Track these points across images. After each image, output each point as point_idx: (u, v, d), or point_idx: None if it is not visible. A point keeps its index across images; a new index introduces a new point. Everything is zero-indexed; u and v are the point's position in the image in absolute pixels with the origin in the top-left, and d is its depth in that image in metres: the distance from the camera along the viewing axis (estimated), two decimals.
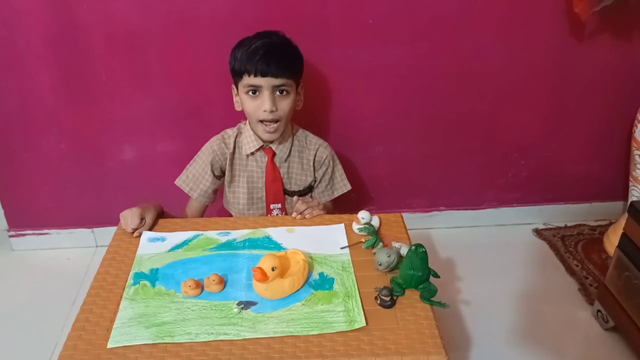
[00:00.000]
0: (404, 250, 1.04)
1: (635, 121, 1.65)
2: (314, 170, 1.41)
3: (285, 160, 1.37)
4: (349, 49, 1.56)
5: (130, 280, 1.01)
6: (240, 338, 0.88)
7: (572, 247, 1.78)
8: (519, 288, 1.62)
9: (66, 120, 1.60)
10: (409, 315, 0.93)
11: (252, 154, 1.35)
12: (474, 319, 1.50)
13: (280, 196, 1.39)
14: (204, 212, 1.44)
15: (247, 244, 1.11)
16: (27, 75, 1.52)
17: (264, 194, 1.38)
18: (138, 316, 0.93)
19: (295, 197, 1.38)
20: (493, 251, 1.78)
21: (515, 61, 1.63)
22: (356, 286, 0.99)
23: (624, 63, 1.65)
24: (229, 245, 1.11)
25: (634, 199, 1.69)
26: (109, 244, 1.12)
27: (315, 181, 1.43)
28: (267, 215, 1.40)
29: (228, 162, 1.36)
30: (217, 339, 0.88)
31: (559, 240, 1.82)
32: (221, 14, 1.47)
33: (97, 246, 1.81)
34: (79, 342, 0.88)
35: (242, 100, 1.29)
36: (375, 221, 1.15)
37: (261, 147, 1.34)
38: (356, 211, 1.16)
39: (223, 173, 1.38)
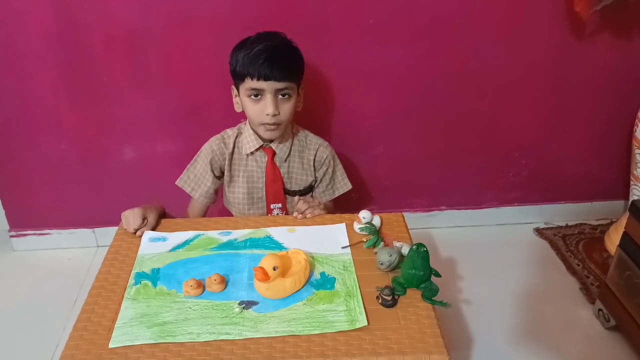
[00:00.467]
0: (405, 250, 1.04)
1: (636, 120, 1.65)
2: (315, 170, 1.41)
3: (285, 160, 1.37)
4: (349, 49, 1.56)
5: (131, 280, 1.01)
6: (241, 338, 0.88)
7: (573, 247, 1.78)
8: (520, 287, 1.62)
9: (66, 121, 1.60)
10: (411, 314, 0.93)
11: (252, 153, 1.35)
12: (475, 318, 1.50)
13: (280, 196, 1.39)
14: (206, 212, 1.43)
15: (248, 243, 1.11)
16: (28, 75, 1.52)
17: (264, 193, 1.38)
18: (139, 316, 0.93)
19: (296, 197, 1.38)
20: (494, 250, 1.78)
21: (515, 61, 1.63)
22: (357, 286, 0.99)
23: (624, 62, 1.65)
24: (230, 245, 1.11)
25: (635, 197, 1.69)
26: (110, 244, 1.12)
27: (315, 181, 1.43)
28: (267, 215, 1.40)
29: (227, 162, 1.36)
30: (219, 338, 0.88)
31: (560, 240, 1.82)
32: (221, 14, 1.47)
33: (98, 246, 1.81)
34: (80, 342, 0.88)
35: (244, 102, 1.28)
36: (377, 221, 1.15)
37: (261, 147, 1.34)
38: (357, 211, 1.16)
39: (223, 173, 1.38)
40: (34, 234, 1.79)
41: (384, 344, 0.87)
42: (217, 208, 1.51)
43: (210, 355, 0.85)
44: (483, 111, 1.71)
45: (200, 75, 1.55)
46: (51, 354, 1.39)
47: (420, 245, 0.97)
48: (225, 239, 1.13)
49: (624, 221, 1.38)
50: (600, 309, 1.46)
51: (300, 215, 1.21)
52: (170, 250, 1.09)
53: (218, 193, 1.43)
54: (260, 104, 1.25)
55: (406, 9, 1.51)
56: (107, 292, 0.99)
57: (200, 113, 1.61)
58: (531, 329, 1.47)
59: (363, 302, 0.95)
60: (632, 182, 1.72)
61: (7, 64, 1.50)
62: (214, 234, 1.15)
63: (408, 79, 1.62)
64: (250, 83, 1.23)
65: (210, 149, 1.36)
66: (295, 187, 1.40)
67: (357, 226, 1.14)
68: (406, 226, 1.18)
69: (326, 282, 1.00)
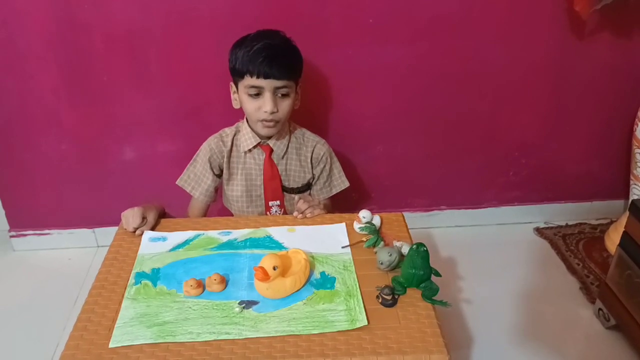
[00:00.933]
0: (405, 249, 1.04)
1: (636, 119, 1.65)
2: (312, 167, 1.41)
3: (283, 157, 1.37)
4: (349, 48, 1.56)
5: (131, 280, 1.01)
6: (241, 337, 0.88)
7: (573, 246, 1.78)
8: (520, 287, 1.62)
9: (67, 121, 1.60)
10: (411, 314, 0.93)
11: (250, 150, 1.35)
12: (475, 318, 1.50)
13: (278, 193, 1.39)
14: (206, 212, 1.44)
15: (248, 243, 1.12)
16: (28, 75, 1.52)
17: (262, 191, 1.38)
18: (140, 316, 0.93)
19: (296, 197, 1.38)
20: (494, 250, 1.78)
21: (515, 60, 1.63)
22: (357, 285, 0.99)
23: (625, 62, 1.65)
24: (230, 244, 1.11)
25: (635, 197, 1.69)
26: (110, 244, 1.12)
27: (313, 178, 1.43)
28: (266, 212, 1.40)
29: (225, 159, 1.36)
30: (219, 338, 0.88)
31: (560, 239, 1.82)
32: (221, 14, 1.47)
33: (98, 246, 1.81)
34: (80, 342, 0.88)
35: (242, 99, 1.29)
36: (377, 220, 1.15)
37: (259, 144, 1.35)
38: (357, 210, 1.16)
39: (222, 171, 1.39)
40: (34, 234, 1.79)
41: (384, 343, 0.87)
42: (217, 208, 1.51)
43: (210, 355, 0.85)
44: (483, 111, 1.71)
45: (200, 75, 1.55)
46: (51, 353, 1.39)
47: (420, 244, 0.97)
48: (225, 238, 1.13)
49: (624, 220, 1.38)
50: (600, 309, 1.46)
51: (301, 214, 1.21)
52: (170, 250, 1.10)
53: (218, 191, 1.43)
54: (258, 101, 1.25)
55: (406, 9, 1.51)
56: (107, 292, 0.99)
57: (200, 113, 1.61)
58: (531, 329, 1.47)
59: (363, 302, 0.95)
60: (632, 182, 1.72)
61: (7, 64, 1.50)
62: (214, 233, 1.15)
63: (408, 78, 1.63)
64: (249, 80, 1.24)
65: (208, 147, 1.36)
66: (293, 185, 1.40)
67: (357, 226, 1.14)
68: (406, 226, 1.18)
69: (326, 282, 1.00)
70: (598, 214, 1.92)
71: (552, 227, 1.89)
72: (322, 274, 1.03)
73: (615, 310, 1.39)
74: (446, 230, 1.89)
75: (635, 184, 1.70)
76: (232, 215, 1.44)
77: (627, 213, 1.33)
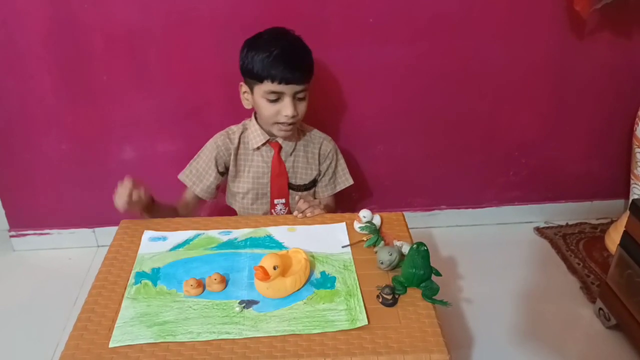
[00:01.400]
0: (405, 249, 1.04)
1: (636, 119, 1.65)
2: (319, 164, 1.41)
3: (291, 155, 1.37)
4: (349, 48, 1.56)
5: (131, 280, 1.01)
6: (242, 337, 0.88)
7: (574, 246, 1.78)
8: (520, 286, 1.62)
9: (67, 121, 1.60)
10: (411, 313, 0.93)
11: (258, 148, 1.35)
12: (475, 318, 1.49)
13: (284, 191, 1.39)
14: (198, 208, 1.43)
15: (248, 243, 1.11)
16: (28, 75, 1.52)
17: (269, 189, 1.38)
18: (140, 315, 0.93)
19: (297, 197, 1.38)
20: (494, 250, 1.78)
21: (515, 60, 1.63)
22: (358, 285, 0.99)
23: (625, 61, 1.65)
24: (230, 244, 1.11)
25: (635, 196, 1.69)
26: (110, 244, 1.12)
27: (319, 175, 1.43)
28: (270, 210, 1.40)
29: (232, 157, 1.36)
30: (219, 338, 0.88)
31: (560, 239, 1.82)
32: (221, 14, 1.47)
33: (98, 246, 1.81)
34: (80, 342, 0.88)
35: (259, 102, 1.27)
36: (377, 220, 1.15)
37: (267, 141, 1.34)
38: (357, 210, 1.16)
39: (227, 169, 1.38)
40: (34, 234, 1.79)
41: (384, 343, 0.87)
42: (217, 207, 1.51)
43: (210, 355, 0.85)
44: (483, 110, 1.71)
45: (201, 75, 1.55)
46: (51, 353, 1.39)
47: (420, 244, 0.97)
48: (225, 238, 1.13)
49: (624, 220, 1.38)
50: (600, 308, 1.46)
51: (301, 214, 1.21)
52: (171, 250, 1.09)
53: (219, 190, 1.43)
54: (277, 106, 1.25)
55: (406, 9, 1.51)
56: (108, 291, 0.99)
57: (200, 113, 1.61)
58: (532, 328, 1.47)
59: (363, 301, 0.95)
60: (632, 181, 1.72)
61: (7, 64, 1.50)
62: (214, 233, 1.14)
63: (408, 78, 1.62)
64: (269, 86, 1.22)
65: (215, 144, 1.36)
66: (299, 182, 1.40)
67: (357, 225, 1.14)
68: (406, 225, 1.18)
69: (326, 281, 1.00)
70: (598, 214, 1.92)
71: (552, 227, 1.89)
72: (323, 273, 1.03)
73: (615, 310, 1.39)
74: (446, 229, 1.89)
75: (635, 184, 1.70)
76: (233, 213, 1.44)
77: (628, 212, 1.33)
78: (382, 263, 1.02)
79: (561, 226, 1.89)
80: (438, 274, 0.98)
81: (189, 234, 1.14)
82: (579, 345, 1.43)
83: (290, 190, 1.40)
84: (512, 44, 1.60)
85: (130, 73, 1.54)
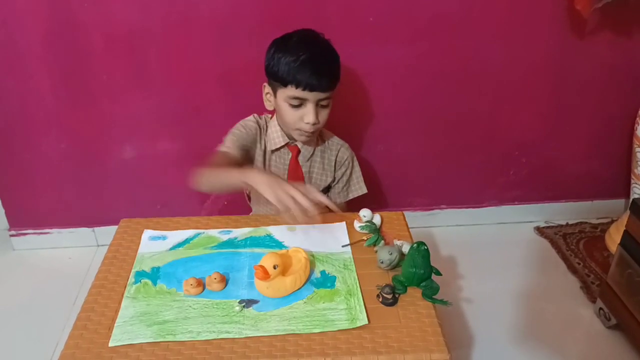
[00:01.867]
0: (405, 248, 1.03)
1: (637, 118, 1.65)
2: (335, 170, 1.40)
3: (308, 160, 1.36)
4: (349, 48, 1.55)
5: (131, 279, 1.01)
6: (242, 336, 0.88)
7: (574, 245, 1.78)
8: (520, 286, 1.61)
9: (67, 120, 1.60)
10: (411, 313, 0.93)
11: (278, 149, 1.33)
12: (475, 317, 1.49)
13: None
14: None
15: (248, 242, 1.11)
16: (28, 75, 1.52)
17: None
18: (139, 315, 0.92)
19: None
20: (494, 249, 1.78)
21: (515, 59, 1.62)
22: (358, 284, 0.99)
23: (625, 60, 1.65)
24: (230, 243, 1.11)
25: (636, 196, 1.69)
26: (109, 243, 1.12)
27: (334, 181, 1.42)
28: None
29: (256, 154, 1.32)
30: (219, 337, 0.88)
31: (560, 238, 1.82)
32: (221, 13, 1.47)
33: (98, 245, 1.81)
34: (80, 341, 0.88)
35: (281, 106, 1.25)
36: (377, 219, 1.15)
37: (287, 144, 1.33)
38: (357, 209, 1.16)
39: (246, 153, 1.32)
40: (34, 233, 1.79)
41: (384, 342, 0.87)
42: (217, 207, 1.51)
43: (210, 354, 0.85)
44: (483, 110, 1.71)
45: (201, 75, 1.55)
46: (51, 352, 1.39)
47: (420, 243, 0.96)
48: (225, 237, 1.13)
49: (624, 220, 1.38)
50: (601, 308, 1.46)
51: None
52: (170, 249, 1.09)
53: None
54: (299, 112, 1.22)
55: (406, 9, 1.51)
56: (107, 290, 0.98)
57: (200, 113, 1.61)
58: (532, 328, 1.47)
59: (363, 301, 0.95)
60: (632, 181, 1.72)
61: (7, 64, 1.50)
62: (214, 232, 1.14)
63: (408, 78, 1.62)
64: (293, 91, 1.20)
65: (251, 125, 1.30)
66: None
67: (357, 224, 1.14)
68: (406, 225, 1.18)
69: (326, 281, 1.00)
70: (599, 213, 1.92)
71: (552, 227, 1.89)
72: (323, 272, 1.02)
73: (616, 310, 1.38)
74: (446, 229, 1.89)
75: (635, 183, 1.70)
76: (233, 213, 1.43)
77: (628, 212, 1.33)
78: (382, 262, 1.01)
79: (561, 226, 1.89)
80: (438, 273, 0.98)
81: (189, 233, 1.14)
82: (579, 345, 1.43)
83: None
84: (512, 44, 1.60)
85: (130, 73, 1.54)
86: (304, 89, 1.19)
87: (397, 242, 1.07)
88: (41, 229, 1.79)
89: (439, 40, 1.57)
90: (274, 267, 0.94)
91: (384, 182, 1.81)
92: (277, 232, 1.14)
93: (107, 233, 1.67)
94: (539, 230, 1.87)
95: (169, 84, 1.56)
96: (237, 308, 0.94)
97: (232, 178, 1.11)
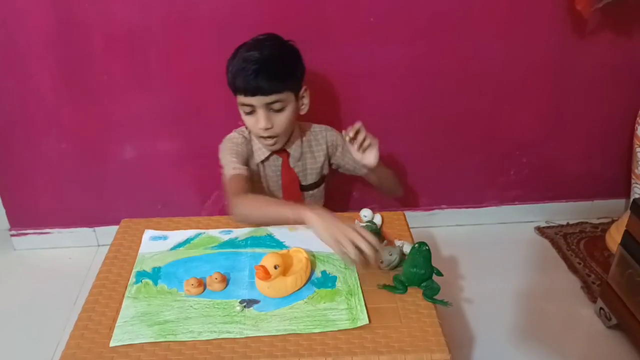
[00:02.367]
0: (406, 248, 1.04)
1: (637, 118, 1.65)
2: (331, 156, 1.39)
3: (299, 160, 1.35)
4: (349, 47, 1.56)
5: (132, 279, 1.01)
6: (242, 336, 0.88)
7: (574, 245, 1.78)
8: (521, 286, 1.61)
9: (67, 120, 1.60)
10: (412, 313, 0.93)
11: (266, 159, 1.32)
12: (476, 317, 1.49)
13: (297, 195, 1.37)
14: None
15: (249, 242, 1.11)
16: (28, 75, 1.52)
17: (281, 196, 1.36)
18: (140, 315, 0.92)
19: (308, 197, 1.36)
20: (495, 249, 1.78)
21: (516, 59, 1.62)
22: (359, 284, 0.99)
23: (626, 60, 1.64)
24: (231, 243, 1.11)
25: (637, 196, 1.69)
26: (110, 243, 1.12)
27: (332, 165, 1.41)
28: None
29: (250, 167, 1.31)
30: (220, 337, 0.88)
31: (561, 238, 1.82)
32: (221, 13, 1.47)
33: (98, 245, 1.81)
34: (81, 341, 0.88)
35: (241, 115, 1.25)
36: (378, 219, 1.15)
37: (273, 152, 1.32)
38: (358, 209, 1.16)
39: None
40: (35, 233, 1.79)
41: (385, 342, 0.87)
42: (218, 207, 1.51)
43: (211, 354, 0.85)
44: (484, 110, 1.71)
45: (201, 75, 1.55)
46: (52, 352, 1.39)
47: (422, 243, 0.96)
48: (226, 237, 1.13)
49: (625, 219, 1.38)
50: (601, 308, 1.46)
51: (352, 134, 1.17)
52: (171, 249, 1.09)
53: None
54: (253, 118, 1.22)
55: (406, 8, 1.51)
56: (108, 290, 0.99)
57: (200, 112, 1.61)
58: (532, 328, 1.47)
59: (364, 301, 0.95)
60: (633, 181, 1.72)
61: (7, 63, 1.50)
62: (214, 232, 1.14)
63: (408, 77, 1.62)
64: (240, 98, 1.20)
65: (236, 142, 1.28)
66: (310, 181, 1.39)
67: (358, 225, 1.14)
68: (407, 225, 1.18)
69: (327, 281, 1.00)
70: (599, 213, 1.91)
71: (553, 226, 1.89)
72: (323, 272, 1.02)
73: (616, 310, 1.38)
74: (447, 229, 1.89)
75: (636, 183, 1.70)
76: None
77: (629, 212, 1.33)
78: (382, 262, 1.01)
79: (562, 225, 1.89)
80: (439, 273, 0.98)
81: (190, 233, 1.14)
82: (579, 345, 1.43)
83: (302, 192, 1.39)
84: (513, 44, 1.60)
85: (131, 73, 1.54)
86: (245, 95, 1.17)
87: (398, 242, 1.08)
88: (42, 229, 1.79)
89: (439, 40, 1.57)
90: (275, 267, 0.94)
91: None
92: (278, 232, 1.14)
93: (107, 233, 1.66)
94: (540, 230, 1.87)
95: (169, 84, 1.56)
96: (238, 308, 0.94)
97: (282, 214, 1.05)
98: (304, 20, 1.49)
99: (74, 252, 1.79)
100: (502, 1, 1.52)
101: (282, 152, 1.32)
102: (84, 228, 1.79)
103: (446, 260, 1.71)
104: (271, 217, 1.09)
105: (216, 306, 0.94)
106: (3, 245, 1.80)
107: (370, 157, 1.25)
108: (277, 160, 1.34)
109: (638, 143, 1.64)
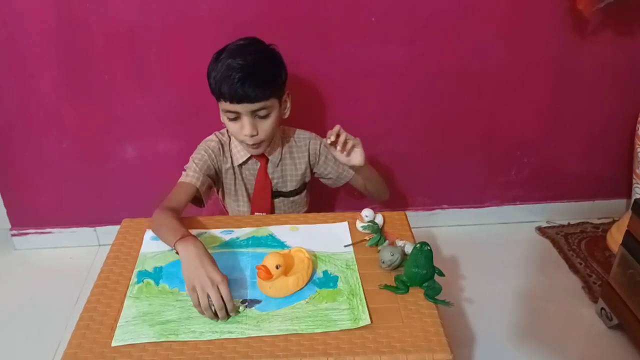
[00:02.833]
0: (408, 248, 1.03)
1: (639, 118, 1.65)
2: (312, 165, 1.38)
3: (278, 165, 1.33)
4: (350, 47, 1.55)
5: (133, 279, 1.01)
6: (244, 336, 0.88)
7: (575, 245, 1.78)
8: (522, 286, 1.61)
9: (68, 120, 1.60)
10: (414, 313, 0.93)
11: (245, 162, 1.31)
12: (477, 317, 1.49)
13: (267, 203, 1.35)
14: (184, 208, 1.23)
15: (250, 242, 1.11)
16: (29, 74, 1.52)
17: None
18: (142, 314, 0.92)
19: (288, 203, 1.36)
20: (496, 249, 1.78)
21: (517, 59, 1.62)
22: (360, 284, 0.99)
23: (627, 60, 1.64)
24: (232, 243, 1.11)
25: (638, 196, 1.69)
26: (111, 243, 1.12)
27: (314, 174, 1.41)
28: None
29: (224, 172, 1.31)
30: (222, 337, 0.88)
31: (562, 238, 1.82)
32: (222, 13, 1.47)
33: (99, 245, 1.81)
34: (83, 341, 0.88)
35: (224, 121, 1.23)
36: (379, 219, 1.15)
37: (252, 156, 1.31)
38: (359, 209, 1.16)
39: (216, 177, 1.33)
40: (36, 233, 1.79)
41: (387, 342, 0.87)
42: (218, 207, 1.51)
43: (213, 354, 0.85)
44: (484, 109, 1.71)
45: (201, 74, 1.52)
46: (53, 352, 1.39)
47: (424, 243, 0.96)
48: (227, 237, 1.13)
49: (626, 220, 1.38)
50: (602, 308, 1.46)
51: (333, 137, 1.16)
52: (172, 249, 1.09)
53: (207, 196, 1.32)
54: (237, 124, 1.19)
55: (407, 8, 1.51)
56: (110, 290, 0.98)
57: (201, 112, 1.60)
58: (533, 328, 1.47)
59: (366, 301, 0.95)
60: (634, 181, 1.72)
61: (7, 63, 1.50)
62: (216, 232, 1.14)
63: (409, 77, 1.62)
64: (225, 105, 1.17)
65: (207, 151, 1.29)
66: (290, 188, 1.37)
67: (359, 224, 1.14)
68: (409, 225, 1.17)
69: (329, 281, 1.00)
70: (600, 213, 1.92)
71: (554, 226, 1.89)
72: (325, 272, 1.02)
73: (617, 310, 1.38)
74: (448, 229, 1.89)
75: (637, 183, 1.70)
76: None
77: (630, 212, 1.33)
78: (383, 262, 1.01)
79: (563, 226, 1.89)
80: (441, 274, 0.98)
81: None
82: (580, 345, 1.43)
83: (281, 197, 1.37)
84: (513, 43, 1.59)
85: (131, 72, 1.54)
86: (231, 102, 1.15)
87: (400, 243, 1.07)
88: (43, 229, 1.79)
89: (439, 40, 1.57)
90: (277, 267, 0.94)
91: (385, 181, 1.80)
92: (280, 232, 1.14)
93: (108, 233, 1.67)
94: (541, 230, 1.87)
95: (169, 84, 1.56)
96: (240, 308, 0.93)
97: (167, 240, 1.04)
98: (304, 20, 1.49)
99: (74, 251, 1.79)
100: (502, 1, 1.52)
101: (261, 156, 1.31)
102: (85, 228, 1.79)
103: (447, 260, 1.71)
104: (162, 239, 1.08)
105: None
106: (4, 244, 1.80)
107: (357, 157, 1.24)
108: (255, 164, 1.33)
109: (639, 143, 1.64)
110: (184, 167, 1.28)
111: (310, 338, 0.88)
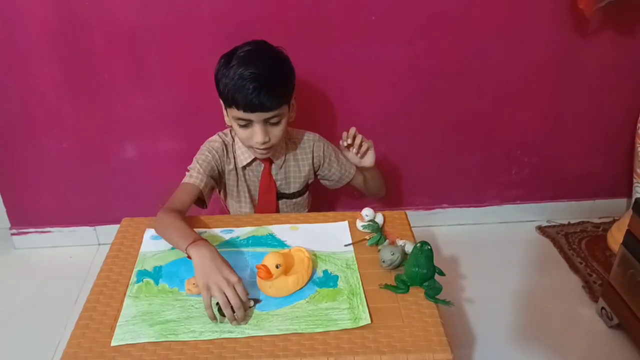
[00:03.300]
0: (408, 248, 1.03)
1: (639, 117, 1.64)
2: (317, 168, 1.39)
3: (282, 167, 1.33)
4: (350, 47, 1.55)
5: (133, 278, 1.01)
6: (244, 336, 0.88)
7: (576, 245, 1.78)
8: (522, 285, 1.61)
9: (68, 119, 1.60)
10: (414, 312, 0.93)
11: (249, 164, 1.31)
12: (477, 317, 1.49)
13: (272, 204, 1.35)
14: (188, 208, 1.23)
15: (250, 241, 1.11)
16: (29, 74, 1.52)
17: (257, 203, 1.36)
18: (142, 314, 0.92)
19: (291, 204, 1.36)
20: (496, 249, 1.78)
21: (517, 58, 1.62)
22: (361, 283, 0.99)
23: (628, 60, 1.64)
24: (232, 242, 1.11)
25: (638, 195, 1.69)
26: (111, 242, 1.11)
27: (317, 176, 1.41)
28: None
29: (227, 173, 1.31)
30: (222, 336, 0.88)
31: (562, 238, 1.82)
32: (222, 13, 1.47)
33: (99, 244, 1.81)
34: (82, 340, 0.88)
35: (233, 126, 1.22)
36: (379, 218, 1.15)
37: (256, 158, 1.30)
38: (359, 209, 1.16)
39: (219, 177, 1.33)
40: (36, 232, 1.79)
41: (387, 342, 0.87)
42: (218, 207, 1.51)
43: (212, 354, 0.85)
44: (484, 109, 1.70)
45: (202, 74, 1.54)
46: (52, 352, 1.39)
47: (424, 243, 0.96)
48: (227, 236, 1.13)
49: (627, 219, 1.38)
50: (603, 307, 1.46)
51: (350, 140, 1.19)
52: (172, 248, 1.09)
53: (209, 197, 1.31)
54: (248, 131, 1.18)
55: (407, 7, 1.51)
56: (109, 290, 0.98)
57: (201, 112, 1.60)
58: (534, 327, 1.47)
59: (366, 300, 0.95)
60: (634, 180, 1.72)
61: (8, 63, 1.50)
62: (216, 231, 1.14)
63: (409, 77, 1.62)
64: (236, 112, 1.15)
65: (210, 153, 1.29)
66: (293, 189, 1.37)
67: (359, 224, 1.14)
68: (409, 224, 1.17)
69: (329, 280, 1.00)
70: (601, 213, 1.91)
71: (554, 226, 1.89)
72: (325, 272, 1.02)
73: (618, 309, 1.38)
74: (448, 228, 1.89)
75: (637, 183, 1.70)
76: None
77: (630, 211, 1.33)
78: (383, 262, 1.01)
79: (563, 225, 1.89)
80: (442, 273, 0.98)
81: None
82: (581, 345, 1.43)
83: (284, 199, 1.37)
84: (514, 43, 1.59)
85: (132, 72, 1.54)
86: (245, 111, 1.14)
87: (400, 242, 1.07)
88: (42, 228, 1.79)
89: (439, 40, 1.57)
90: (277, 267, 0.94)
91: (385, 181, 1.80)
92: (280, 231, 1.14)
93: (108, 232, 1.67)
94: (541, 230, 1.87)
95: (169, 84, 1.56)
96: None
97: (176, 243, 1.04)
98: (305, 20, 1.49)
99: (74, 251, 1.79)
100: (502, 1, 1.52)
101: (265, 158, 1.30)
102: (85, 227, 1.79)
103: (447, 260, 1.71)
104: (169, 241, 1.08)
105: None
106: (4, 244, 1.80)
107: (369, 158, 1.29)
108: (259, 166, 1.32)
109: (639, 142, 1.64)
110: (188, 167, 1.28)
111: (310, 338, 0.88)
